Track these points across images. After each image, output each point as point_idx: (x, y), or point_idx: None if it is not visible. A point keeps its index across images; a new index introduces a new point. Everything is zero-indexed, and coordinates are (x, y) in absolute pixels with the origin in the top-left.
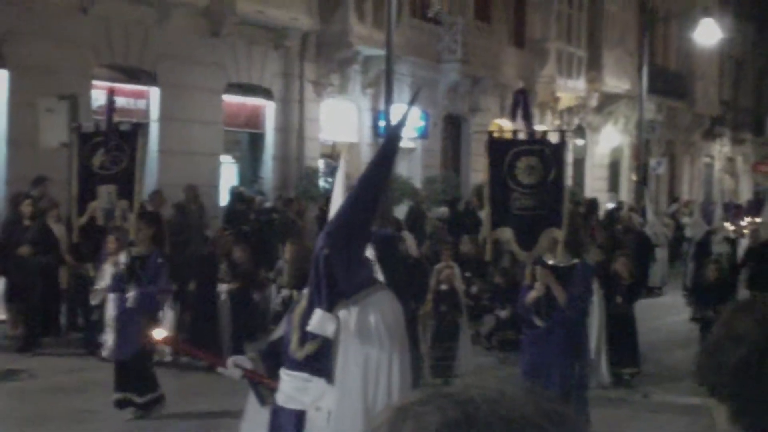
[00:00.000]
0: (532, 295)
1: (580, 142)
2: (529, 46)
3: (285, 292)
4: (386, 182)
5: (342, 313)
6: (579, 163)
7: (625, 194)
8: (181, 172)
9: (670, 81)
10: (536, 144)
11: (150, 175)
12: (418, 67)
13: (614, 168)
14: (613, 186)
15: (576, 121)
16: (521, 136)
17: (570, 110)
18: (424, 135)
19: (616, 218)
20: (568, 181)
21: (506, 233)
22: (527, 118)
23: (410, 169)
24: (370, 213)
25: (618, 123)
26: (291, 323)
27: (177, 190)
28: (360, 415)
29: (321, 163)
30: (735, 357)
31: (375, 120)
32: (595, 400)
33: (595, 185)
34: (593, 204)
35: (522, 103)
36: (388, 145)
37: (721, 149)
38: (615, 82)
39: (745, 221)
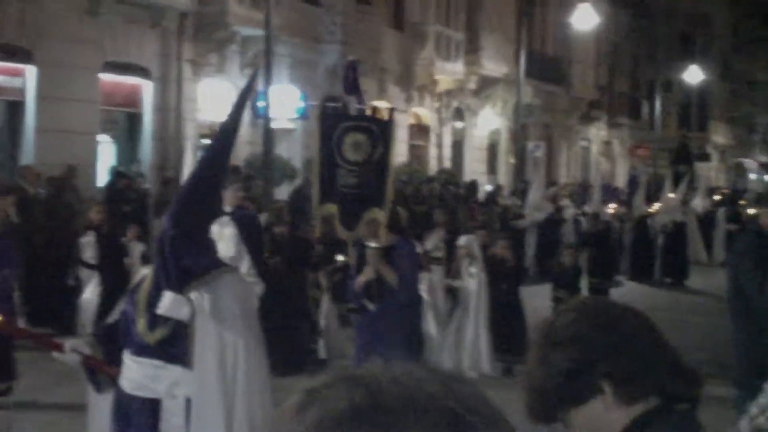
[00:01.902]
0: (362, 278)
1: (459, 124)
2: (408, 29)
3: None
4: (226, 159)
5: (194, 295)
6: (458, 146)
7: (503, 177)
8: (59, 151)
9: (547, 65)
10: (364, 120)
11: (27, 155)
12: (297, 48)
13: (492, 151)
14: (492, 168)
15: (455, 103)
16: (353, 111)
17: (449, 93)
18: (304, 116)
19: (495, 201)
20: (446, 163)
21: (332, 209)
22: (356, 92)
23: (290, 150)
24: (213, 191)
25: (496, 106)
26: (135, 305)
27: (54, 169)
28: (220, 400)
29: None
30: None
31: (254, 100)
32: (480, 383)
33: (474, 167)
34: (473, 186)
35: (351, 77)
36: (225, 122)
37: (597, 133)
38: (493, 66)
39: (613, 205)
